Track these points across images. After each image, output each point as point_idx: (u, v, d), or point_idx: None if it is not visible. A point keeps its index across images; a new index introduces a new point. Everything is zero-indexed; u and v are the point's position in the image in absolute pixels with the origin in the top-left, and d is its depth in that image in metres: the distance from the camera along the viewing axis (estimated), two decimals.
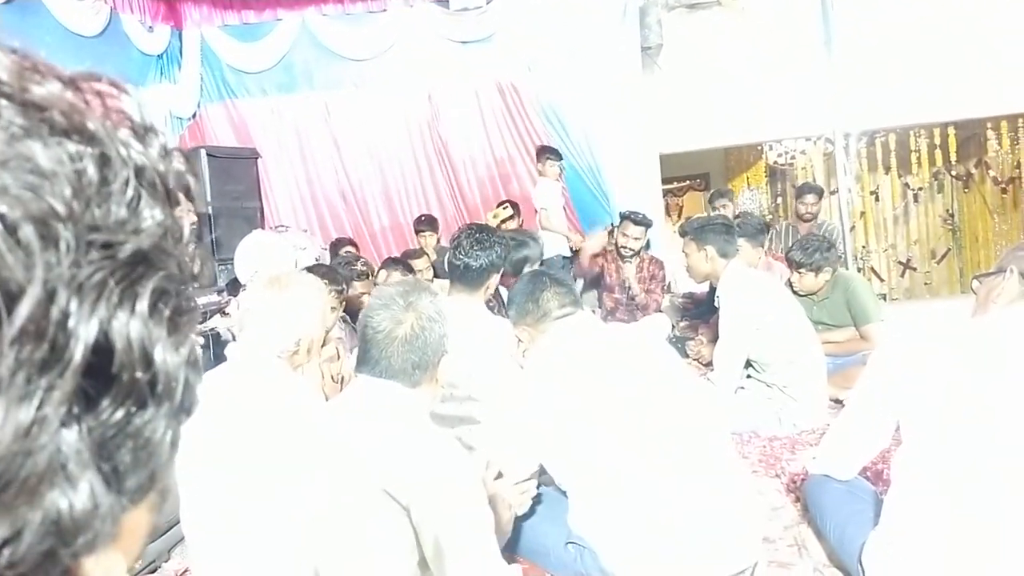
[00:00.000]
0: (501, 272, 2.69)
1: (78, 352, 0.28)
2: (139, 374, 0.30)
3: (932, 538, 1.46)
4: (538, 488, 2.12)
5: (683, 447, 1.88)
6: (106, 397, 0.29)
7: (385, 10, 6.18)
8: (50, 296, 0.27)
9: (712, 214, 6.16)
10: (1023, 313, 1.51)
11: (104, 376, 0.29)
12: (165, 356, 0.31)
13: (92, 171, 0.29)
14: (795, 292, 3.87)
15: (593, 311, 5.07)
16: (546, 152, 5.79)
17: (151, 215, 0.31)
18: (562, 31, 5.99)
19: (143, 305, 0.30)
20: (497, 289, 3.18)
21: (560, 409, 1.92)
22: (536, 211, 5.67)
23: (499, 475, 1.91)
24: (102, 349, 0.29)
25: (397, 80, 6.26)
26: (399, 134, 6.34)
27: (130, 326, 0.29)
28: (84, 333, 0.28)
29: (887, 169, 7.44)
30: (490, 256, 2.53)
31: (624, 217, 4.95)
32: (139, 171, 0.32)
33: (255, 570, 1.51)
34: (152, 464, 0.32)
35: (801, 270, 3.81)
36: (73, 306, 0.28)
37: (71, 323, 0.28)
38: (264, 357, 1.78)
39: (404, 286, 1.59)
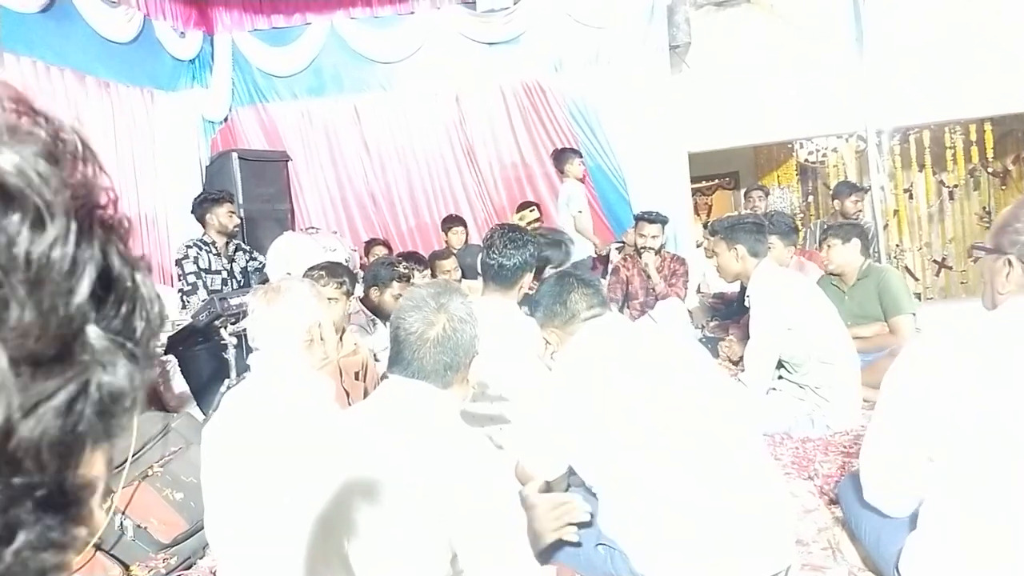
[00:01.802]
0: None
1: (91, 264, 0.36)
2: (128, 284, 0.39)
3: (971, 548, 1.43)
4: (567, 489, 2.12)
5: (714, 449, 1.86)
6: (108, 301, 0.38)
7: (412, 12, 6.21)
8: (67, 215, 0.35)
9: (746, 209, 6.13)
10: None
11: (104, 285, 0.38)
12: (139, 275, 0.40)
13: (47, 138, 0.37)
14: (830, 273, 3.85)
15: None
16: (569, 153, 5.79)
17: (86, 175, 0.38)
18: (589, 30, 5.98)
19: (112, 235, 0.39)
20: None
21: (589, 411, 1.91)
22: (560, 213, 5.69)
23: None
24: (100, 264, 0.37)
25: (425, 82, 6.30)
26: (427, 136, 6.38)
27: (114, 248, 0.38)
28: (91, 251, 0.37)
29: (921, 166, 7.29)
30: (523, 255, 2.54)
31: (638, 218, 4.95)
32: (79, 142, 0.39)
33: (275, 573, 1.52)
34: (146, 360, 0.40)
35: (830, 241, 3.77)
36: (77, 226, 0.36)
37: (83, 240, 0.36)
38: (279, 365, 1.81)
39: (435, 287, 1.59)
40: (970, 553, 1.44)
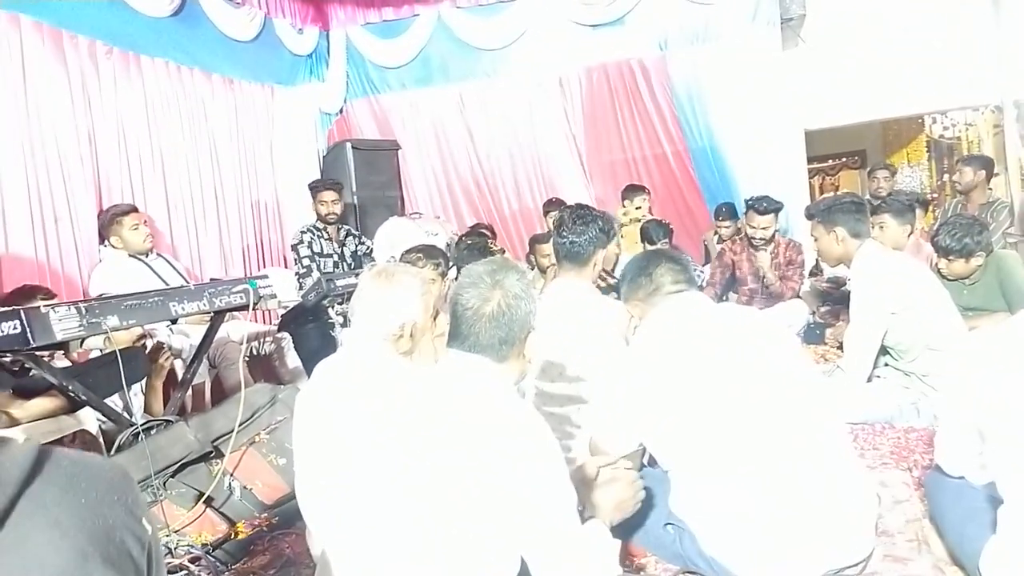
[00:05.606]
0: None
1: None
2: None
3: None
4: (641, 469, 2.12)
5: (788, 435, 1.81)
6: None
7: None
8: None
9: (871, 189, 5.79)
10: None
11: None
12: None
13: None
14: (944, 277, 3.57)
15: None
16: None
17: None
18: (696, 7, 5.83)
19: None
20: None
21: (660, 387, 1.90)
22: None
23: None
24: None
25: (528, 67, 6.34)
26: (530, 121, 6.43)
27: None
28: None
29: None
30: (593, 229, 2.56)
31: (748, 206, 4.69)
32: None
33: (360, 539, 1.62)
34: None
35: (950, 256, 3.50)
36: None
37: None
38: (371, 343, 1.91)
39: (492, 265, 1.63)
40: None
